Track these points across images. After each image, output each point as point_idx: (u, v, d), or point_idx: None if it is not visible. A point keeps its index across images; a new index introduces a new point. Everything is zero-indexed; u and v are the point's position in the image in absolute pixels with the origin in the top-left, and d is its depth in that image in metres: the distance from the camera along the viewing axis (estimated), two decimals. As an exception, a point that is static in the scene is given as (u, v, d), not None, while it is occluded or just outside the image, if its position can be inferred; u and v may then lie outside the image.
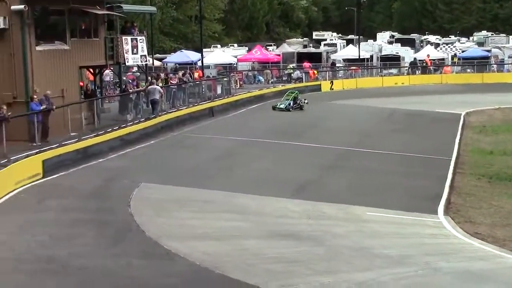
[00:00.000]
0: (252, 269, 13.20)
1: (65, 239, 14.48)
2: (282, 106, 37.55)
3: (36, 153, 20.65)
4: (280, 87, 47.82)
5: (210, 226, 16.38)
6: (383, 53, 65.94)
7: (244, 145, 27.39)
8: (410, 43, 74.32)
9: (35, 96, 24.07)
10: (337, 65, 60.71)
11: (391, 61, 61.29)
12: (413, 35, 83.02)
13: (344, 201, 19.32)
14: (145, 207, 17.53)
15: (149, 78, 34.85)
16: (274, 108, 37.72)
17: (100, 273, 12.53)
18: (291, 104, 37.79)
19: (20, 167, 19.18)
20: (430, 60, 59.51)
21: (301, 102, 38.40)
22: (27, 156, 20.21)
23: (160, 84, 32.97)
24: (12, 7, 24.11)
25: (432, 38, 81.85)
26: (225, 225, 16.53)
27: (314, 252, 14.68)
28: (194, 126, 31.63)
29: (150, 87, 31.65)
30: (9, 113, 22.01)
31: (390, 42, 78.25)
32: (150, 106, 31.31)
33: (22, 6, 24.01)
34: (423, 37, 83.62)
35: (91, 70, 32.21)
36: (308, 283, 12.46)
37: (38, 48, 25.19)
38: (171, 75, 41.10)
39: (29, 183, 19.37)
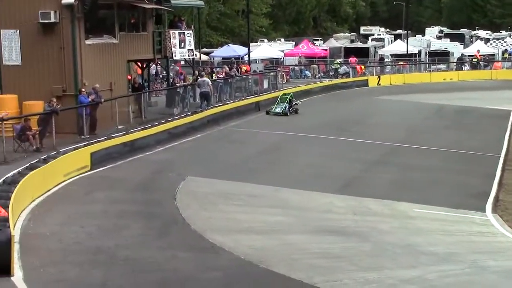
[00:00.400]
0: (296, 264, 13.19)
1: (113, 231, 14.66)
2: (278, 110, 33.39)
3: (84, 145, 20.95)
4: (327, 82, 47.64)
5: (255, 220, 16.44)
6: (432, 48, 65.12)
7: (290, 140, 27.36)
8: (459, 38, 73.20)
9: (83, 89, 24.42)
10: (385, 60, 60.18)
11: (440, 56, 60.49)
12: (463, 30, 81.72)
13: (389, 197, 19.18)
14: (191, 200, 17.65)
15: (196, 71, 35.07)
16: (268, 112, 33.61)
17: (146, 265, 12.65)
18: (287, 107, 33.70)
19: (68, 159, 19.47)
20: (480, 55, 58.55)
21: (295, 105, 34.49)
22: (76, 148, 20.50)
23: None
24: (63, 1, 24.48)
25: (482, 33, 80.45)
26: (270, 219, 16.55)
27: (359, 248, 14.61)
28: (240, 120, 31.72)
29: (199, 79, 31.87)
30: (58, 106, 22.37)
31: (439, 37, 77.22)
32: (200, 99, 31.53)
33: (72, 0, 24.37)
34: (473, 32, 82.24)
35: (139, 63, 32.53)
36: (353, 279, 12.40)
37: (87, 41, 25.54)
38: (218, 69, 41.29)
39: (78, 175, 19.65)
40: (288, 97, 34.25)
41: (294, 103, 34.34)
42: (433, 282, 12.62)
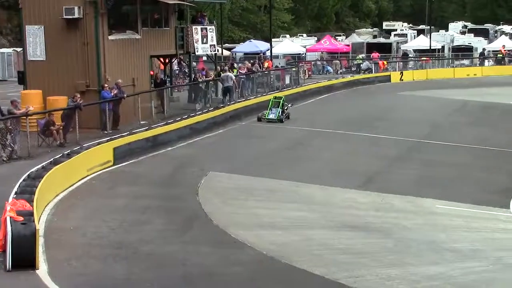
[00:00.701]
0: (318, 259, 13.18)
1: (135, 225, 14.73)
2: (272, 116, 29.35)
3: (107, 140, 21.04)
4: (349, 77, 47.46)
5: (277, 215, 16.44)
6: (455, 43, 64.64)
7: (312, 135, 27.31)
8: (483, 33, 72.57)
9: (106, 85, 24.55)
10: (408, 55, 59.83)
11: (463, 51, 60.01)
12: (487, 25, 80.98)
13: (413, 193, 19.08)
14: (213, 195, 17.69)
15: (219, 67, 35.08)
16: (260, 119, 29.66)
17: (169, 260, 12.70)
18: (280, 112, 29.73)
19: (92, 154, 19.58)
20: (505, 50, 57.99)
21: (287, 109, 30.65)
22: (99, 143, 20.60)
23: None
24: (87, -3, 24.63)
25: (507, 28, 79.64)
26: (292, 214, 16.54)
27: (381, 245, 14.56)
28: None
29: (223, 74, 31.91)
30: (81, 101, 22.51)
31: (463, 33, 76.58)
32: (222, 94, 31.57)
33: (95, -4, 24.52)
34: (498, 27, 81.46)
35: (161, 59, 32.63)
36: (375, 275, 12.36)
37: (111, 37, 25.65)
38: (240, 64, 41.27)
39: (100, 170, 19.76)
40: (281, 101, 29.90)
41: (286, 107, 30.25)
42: (457, 278, 12.55)
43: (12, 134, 19.82)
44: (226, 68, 33.16)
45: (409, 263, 13.40)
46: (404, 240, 14.90)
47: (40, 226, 13.48)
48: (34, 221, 12.32)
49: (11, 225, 11.82)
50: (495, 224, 16.95)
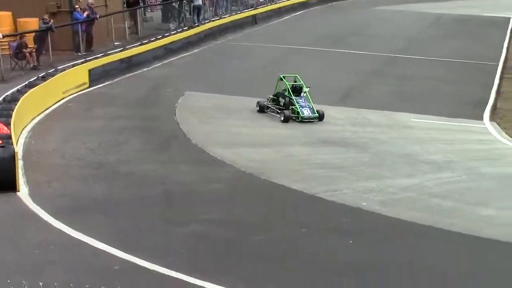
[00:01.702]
0: (297, 174, 13.39)
1: (113, 146, 14.80)
2: (309, 113, 17.45)
3: (82, 62, 20.85)
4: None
5: (255, 133, 16.57)
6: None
7: (288, 53, 27.20)
8: None
9: (77, 6, 24.08)
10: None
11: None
12: None
13: (388, 108, 19.24)
14: (190, 115, 17.73)
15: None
16: (287, 119, 17.37)
17: (148, 179, 12.84)
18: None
19: (67, 76, 19.42)
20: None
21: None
22: (74, 65, 20.42)
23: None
24: None
25: None
26: (271, 132, 16.66)
27: (358, 159, 14.80)
28: (237, 34, 31.42)
29: (192, -8, 31.35)
30: (51, 21, 22.08)
31: None
32: (193, 13, 31.13)
33: None
34: None
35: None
36: (353, 188, 12.62)
37: (80, -44, 24.99)
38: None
39: (76, 92, 19.66)
40: (302, 85, 18.36)
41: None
42: (432, 189, 12.85)
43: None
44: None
45: (386, 175, 13.66)
46: (380, 154, 15.13)
47: (19, 149, 13.49)
48: (12, 144, 12.33)
49: (-11, 149, 11.83)
50: (469, 135, 17.21)
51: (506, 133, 17.18)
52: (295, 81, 18.35)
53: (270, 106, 18.12)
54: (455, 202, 12.25)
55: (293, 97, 17.68)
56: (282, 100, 17.95)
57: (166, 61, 24.85)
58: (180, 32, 27.96)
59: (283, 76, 18.43)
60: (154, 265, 9.01)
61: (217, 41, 29.31)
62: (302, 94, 17.97)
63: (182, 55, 26.10)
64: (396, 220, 11.18)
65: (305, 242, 10.15)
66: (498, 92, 21.28)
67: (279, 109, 17.79)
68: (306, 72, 23.56)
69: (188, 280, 8.63)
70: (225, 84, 21.38)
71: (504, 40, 30.42)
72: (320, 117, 17.45)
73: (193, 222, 10.71)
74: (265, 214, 11.32)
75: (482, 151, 15.99)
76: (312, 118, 17.39)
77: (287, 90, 17.94)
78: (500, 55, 27.08)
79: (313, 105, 17.62)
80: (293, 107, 17.47)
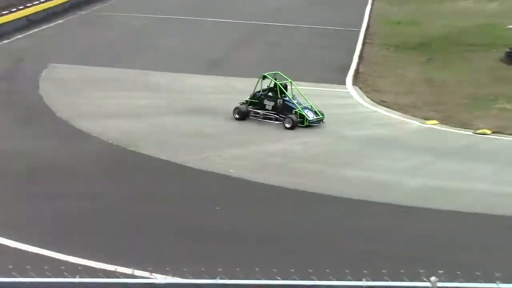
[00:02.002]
0: (165, 144, 13.45)
1: (-27, 122, 14.26)
2: (313, 116, 15.29)
3: None
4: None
5: (123, 104, 16.37)
6: None
7: (154, 23, 26.85)
8: None
9: None
10: None
11: None
12: None
13: (255, 75, 19.43)
14: (54, 87, 17.29)
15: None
16: (293, 126, 14.85)
17: (11, 154, 12.48)
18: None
19: None
20: None
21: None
22: None
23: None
24: None
25: None
26: (139, 103, 16.51)
27: (227, 127, 14.97)
28: (103, 4, 30.66)
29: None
30: None
31: None
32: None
33: None
34: None
35: None
36: (220, 155, 12.80)
37: None
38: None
39: None
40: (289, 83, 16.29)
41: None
42: (297, 153, 13.27)
43: None
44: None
45: (254, 142, 13.94)
46: (247, 121, 15.31)
47: None
48: None
49: None
50: (333, 100, 17.67)
51: (367, 97, 17.84)
52: (276, 79, 15.81)
53: (255, 110, 15.34)
54: (320, 165, 12.71)
55: (291, 98, 15.40)
56: (269, 103, 15.41)
57: (29, 33, 23.95)
58: (44, 2, 26.99)
59: (266, 74, 15.97)
60: (10, 240, 8.98)
61: (82, 12, 28.51)
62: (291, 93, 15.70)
63: (46, 26, 25.23)
64: (263, 185, 11.46)
65: (171, 211, 10.23)
66: (360, 57, 22.01)
67: (270, 113, 15.19)
68: (173, 41, 23.53)
69: (47, 254, 8.61)
70: (91, 55, 20.88)
71: (366, 7, 31.38)
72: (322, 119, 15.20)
73: (57, 196, 10.54)
74: (131, 186, 11.31)
75: (345, 114, 16.52)
76: (318, 122, 15.15)
77: (278, 90, 15.53)
78: (362, 22, 27.96)
79: (312, 104, 15.55)
80: (295, 110, 15.05)
